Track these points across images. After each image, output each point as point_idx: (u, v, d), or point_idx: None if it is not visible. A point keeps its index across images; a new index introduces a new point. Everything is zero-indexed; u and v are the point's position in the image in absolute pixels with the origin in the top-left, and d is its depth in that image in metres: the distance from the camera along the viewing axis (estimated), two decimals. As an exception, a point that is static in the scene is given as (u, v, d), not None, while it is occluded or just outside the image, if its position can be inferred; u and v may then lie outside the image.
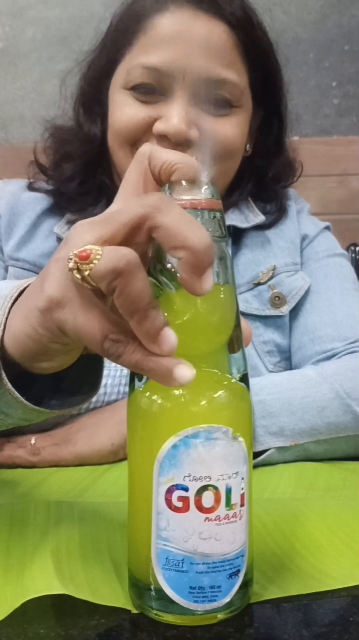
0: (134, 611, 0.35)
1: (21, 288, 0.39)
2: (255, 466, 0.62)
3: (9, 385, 0.37)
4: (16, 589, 0.36)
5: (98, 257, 0.31)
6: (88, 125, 0.80)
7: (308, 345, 0.78)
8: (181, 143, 0.71)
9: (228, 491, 0.33)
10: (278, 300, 0.79)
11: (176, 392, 0.34)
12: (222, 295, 0.35)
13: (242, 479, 0.34)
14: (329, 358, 0.75)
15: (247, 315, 0.78)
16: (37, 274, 0.74)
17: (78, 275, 0.31)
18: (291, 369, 0.79)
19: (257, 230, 0.82)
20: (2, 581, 0.37)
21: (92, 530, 0.44)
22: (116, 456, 0.65)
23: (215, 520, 0.33)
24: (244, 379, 0.36)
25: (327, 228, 0.88)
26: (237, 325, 0.36)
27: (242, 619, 0.35)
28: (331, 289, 0.80)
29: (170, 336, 0.31)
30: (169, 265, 0.34)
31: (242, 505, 0.34)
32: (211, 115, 0.73)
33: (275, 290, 0.79)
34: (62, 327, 0.33)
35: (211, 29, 0.71)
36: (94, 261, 0.31)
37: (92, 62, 0.80)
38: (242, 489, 0.34)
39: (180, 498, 0.33)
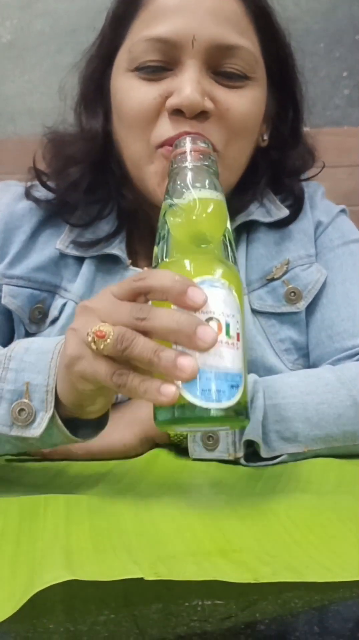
0: (147, 577, 0.35)
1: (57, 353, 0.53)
2: (265, 466, 0.62)
3: (63, 427, 0.52)
4: (25, 584, 0.36)
5: (110, 336, 0.44)
6: (90, 122, 0.76)
7: (327, 342, 0.75)
8: (196, 116, 0.66)
9: (227, 325, 0.44)
10: (293, 295, 0.76)
11: (195, 259, 0.47)
12: (217, 198, 0.50)
13: (237, 322, 0.45)
14: (350, 357, 0.72)
15: (261, 313, 0.75)
16: (33, 289, 0.76)
17: (94, 347, 0.45)
18: (309, 366, 0.77)
19: (272, 226, 0.79)
20: (11, 577, 0.37)
21: (103, 524, 0.43)
22: (127, 455, 0.65)
23: (218, 342, 0.43)
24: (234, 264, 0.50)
25: (343, 211, 0.84)
26: (228, 229, 0.50)
27: (254, 615, 0.34)
28: (348, 280, 0.77)
29: (186, 362, 0.42)
30: (179, 185, 0.50)
31: (238, 340, 0.45)
32: (225, 87, 0.68)
33: (290, 286, 0.76)
34: (83, 374, 0.47)
35: None
36: (108, 340, 0.44)
37: (91, 56, 0.76)
38: (238, 329, 0.45)
39: None
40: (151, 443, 0.66)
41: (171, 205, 0.50)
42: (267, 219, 0.78)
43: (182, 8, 0.66)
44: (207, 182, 0.50)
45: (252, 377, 0.66)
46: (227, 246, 0.50)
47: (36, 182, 0.79)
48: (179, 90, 0.65)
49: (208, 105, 0.66)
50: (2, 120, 1.56)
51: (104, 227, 0.77)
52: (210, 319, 0.43)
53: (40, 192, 0.78)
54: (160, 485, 0.57)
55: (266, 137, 0.78)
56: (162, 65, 0.68)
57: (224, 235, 0.50)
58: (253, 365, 0.72)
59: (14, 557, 0.39)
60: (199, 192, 0.49)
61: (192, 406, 0.42)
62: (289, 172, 0.81)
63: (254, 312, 0.75)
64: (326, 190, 0.87)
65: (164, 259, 0.49)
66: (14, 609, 0.33)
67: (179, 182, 0.51)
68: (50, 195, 0.78)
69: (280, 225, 0.79)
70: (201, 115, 0.66)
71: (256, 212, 0.78)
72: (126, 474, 0.59)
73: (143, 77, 0.68)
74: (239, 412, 0.44)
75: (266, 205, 0.79)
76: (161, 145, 0.68)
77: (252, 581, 0.35)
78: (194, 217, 0.48)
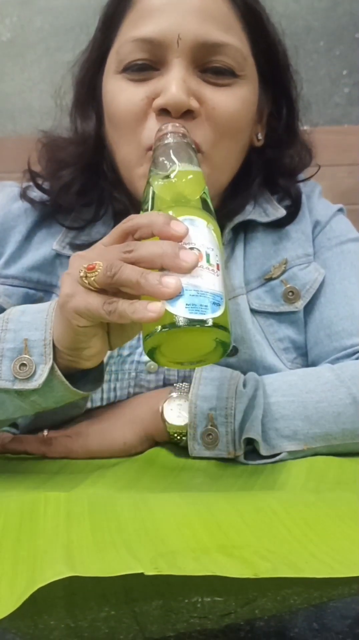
0: (147, 572, 0.35)
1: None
2: (265, 464, 0.62)
3: (62, 377, 0.55)
4: (26, 580, 0.36)
5: (99, 268, 0.49)
6: (83, 125, 0.76)
7: (325, 342, 0.75)
8: (182, 115, 0.65)
9: (208, 255, 0.49)
10: (291, 295, 0.76)
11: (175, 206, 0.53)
12: (194, 166, 0.58)
13: (217, 255, 0.50)
14: (349, 356, 0.72)
15: (260, 312, 0.75)
16: (28, 288, 0.77)
17: (86, 281, 0.50)
18: (308, 365, 0.76)
19: (270, 226, 0.79)
20: (12, 574, 0.37)
21: (103, 521, 0.44)
22: (127, 453, 0.65)
23: (200, 267, 0.48)
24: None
25: (340, 210, 0.84)
26: (206, 192, 0.56)
27: (253, 611, 0.35)
28: (346, 278, 0.77)
29: (170, 279, 0.47)
30: (162, 158, 0.58)
31: (218, 270, 0.50)
32: (212, 86, 0.67)
33: (288, 285, 0.76)
34: (77, 309, 0.51)
35: None
36: (98, 270, 0.49)
37: (84, 60, 0.76)
38: (218, 261, 0.50)
39: None
40: (151, 442, 0.66)
41: (156, 174, 0.57)
42: (265, 219, 0.78)
43: (167, 7, 0.66)
44: (185, 154, 0.59)
45: (252, 375, 0.66)
46: (206, 204, 0.56)
47: (32, 183, 0.79)
48: (164, 90, 0.65)
49: (194, 104, 0.66)
50: (1, 118, 1.56)
51: (100, 229, 0.77)
52: (192, 248, 0.49)
53: (36, 193, 0.78)
54: (159, 482, 0.57)
55: (260, 137, 0.77)
56: (148, 63, 0.67)
57: (202, 197, 0.56)
58: (252, 365, 0.72)
59: (14, 554, 0.39)
60: (179, 162, 0.57)
61: (178, 319, 0.47)
62: (286, 171, 0.81)
63: (253, 311, 0.75)
64: (326, 189, 0.87)
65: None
66: (15, 606, 0.33)
67: (161, 157, 0.58)
68: (45, 196, 0.78)
69: (277, 225, 0.79)
70: (187, 114, 0.66)
71: (252, 212, 0.78)
72: (126, 472, 0.60)
73: (131, 79, 0.68)
74: (223, 327, 0.48)
75: (262, 205, 0.79)
76: (151, 147, 0.66)
77: (252, 576, 0.36)
78: (175, 180, 0.55)
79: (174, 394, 0.65)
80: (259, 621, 0.34)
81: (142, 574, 0.35)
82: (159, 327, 0.47)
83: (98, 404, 0.71)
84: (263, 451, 0.62)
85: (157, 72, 0.67)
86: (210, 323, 0.47)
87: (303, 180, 0.83)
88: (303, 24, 1.49)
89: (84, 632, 0.33)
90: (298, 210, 0.80)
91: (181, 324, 0.47)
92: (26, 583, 0.35)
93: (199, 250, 0.49)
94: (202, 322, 0.47)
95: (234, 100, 0.69)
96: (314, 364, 0.76)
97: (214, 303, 0.48)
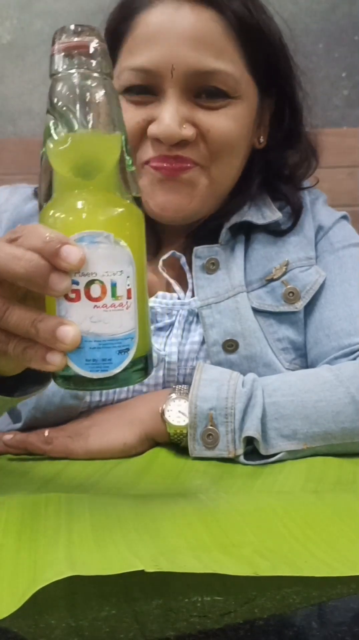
0: (147, 570, 0.35)
1: None
2: (265, 465, 0.62)
3: None
4: (28, 580, 0.36)
5: None
6: None
7: (324, 341, 0.75)
8: (176, 144, 0.69)
9: (113, 285, 0.41)
10: (291, 295, 0.76)
11: (76, 205, 0.42)
12: (102, 129, 0.44)
13: (128, 277, 0.42)
14: (347, 355, 0.73)
15: (260, 311, 0.76)
16: None
17: None
18: (307, 366, 0.77)
19: (269, 232, 0.80)
20: (14, 573, 0.37)
21: (104, 521, 0.44)
22: (127, 454, 0.65)
23: (102, 307, 0.41)
24: (138, 200, 0.45)
25: (344, 217, 0.85)
26: (123, 154, 0.44)
27: (253, 610, 0.35)
28: (346, 281, 0.78)
29: (65, 333, 0.41)
30: (55, 100, 0.45)
31: (129, 298, 0.42)
32: (206, 110, 0.70)
33: (289, 286, 0.77)
34: None
35: (197, 17, 0.68)
36: None
37: None
38: (129, 285, 0.42)
39: (73, 290, 0.41)
40: (151, 442, 0.66)
41: (51, 125, 0.43)
42: (261, 221, 0.79)
43: (161, 36, 0.68)
44: (87, 97, 0.43)
45: (251, 375, 0.66)
46: (124, 173, 0.44)
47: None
48: (158, 120, 0.69)
49: (186, 133, 0.69)
50: (1, 121, 1.56)
51: None
52: (92, 281, 0.41)
53: None
54: (160, 483, 0.57)
55: (262, 140, 0.79)
56: (146, 88, 0.70)
57: (118, 165, 0.44)
58: (252, 361, 0.73)
59: (16, 554, 0.39)
60: (77, 113, 0.43)
61: (79, 376, 0.42)
62: (287, 176, 0.82)
63: (254, 310, 0.76)
64: (325, 191, 0.88)
65: (53, 195, 0.44)
66: (17, 606, 0.33)
67: (54, 97, 0.44)
68: None
69: (277, 233, 0.80)
70: (180, 142, 0.69)
71: (249, 213, 0.79)
72: (126, 473, 0.60)
73: (131, 100, 0.71)
74: (133, 372, 0.43)
75: (260, 208, 0.80)
76: (147, 162, 0.71)
77: (252, 575, 0.36)
78: (70, 148, 0.42)
79: (174, 395, 0.65)
80: (259, 620, 0.34)
81: (142, 573, 0.36)
82: (60, 379, 0.44)
83: (97, 398, 0.72)
84: (263, 450, 0.62)
85: (154, 97, 0.71)
86: (114, 380, 0.43)
87: (306, 188, 0.84)
88: (301, 26, 1.50)
89: (84, 631, 0.33)
90: (297, 218, 0.81)
91: (83, 383, 0.43)
92: (27, 583, 0.35)
93: (101, 282, 0.41)
94: (103, 380, 0.42)
95: (228, 121, 0.71)
96: (313, 364, 0.76)
97: (120, 352, 0.42)
